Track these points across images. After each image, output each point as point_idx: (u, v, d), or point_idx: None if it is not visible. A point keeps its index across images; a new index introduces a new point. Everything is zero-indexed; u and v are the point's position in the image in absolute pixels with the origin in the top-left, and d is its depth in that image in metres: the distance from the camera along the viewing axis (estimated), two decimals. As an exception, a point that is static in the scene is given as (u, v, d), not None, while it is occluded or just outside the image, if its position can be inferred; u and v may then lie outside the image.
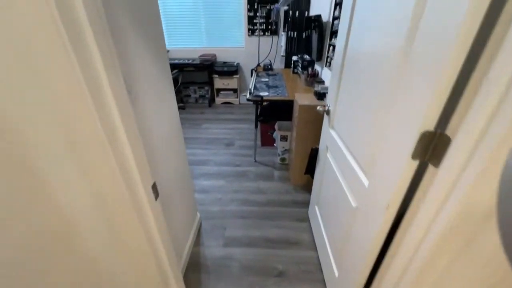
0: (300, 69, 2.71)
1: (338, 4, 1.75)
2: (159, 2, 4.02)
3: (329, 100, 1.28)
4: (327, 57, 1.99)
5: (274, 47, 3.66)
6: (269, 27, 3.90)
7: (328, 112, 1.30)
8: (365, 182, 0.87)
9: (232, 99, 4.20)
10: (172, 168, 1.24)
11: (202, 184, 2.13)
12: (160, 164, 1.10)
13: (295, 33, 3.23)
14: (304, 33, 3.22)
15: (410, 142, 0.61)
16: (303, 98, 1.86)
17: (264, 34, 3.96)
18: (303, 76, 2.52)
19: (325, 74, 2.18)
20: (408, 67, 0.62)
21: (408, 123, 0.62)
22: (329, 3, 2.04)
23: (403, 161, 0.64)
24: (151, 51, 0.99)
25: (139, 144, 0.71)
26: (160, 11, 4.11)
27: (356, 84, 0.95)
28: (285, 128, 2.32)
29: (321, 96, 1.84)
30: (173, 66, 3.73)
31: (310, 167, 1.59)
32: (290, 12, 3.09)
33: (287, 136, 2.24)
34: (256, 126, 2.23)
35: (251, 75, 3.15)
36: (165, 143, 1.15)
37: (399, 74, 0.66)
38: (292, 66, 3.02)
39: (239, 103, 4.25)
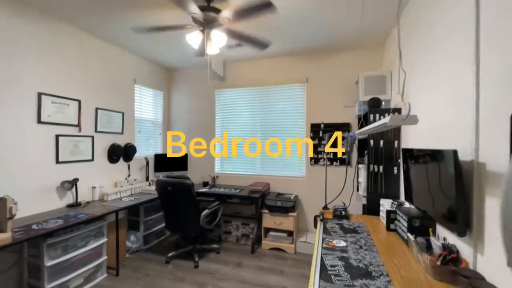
0: (406, 232, 1.48)
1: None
2: (222, 126, 3.59)
3: None
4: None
5: (349, 182, 2.63)
6: (338, 156, 3.10)
7: None
8: None
9: (285, 244, 2.97)
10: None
11: None
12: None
13: (381, 167, 2.24)
14: (395, 168, 2.20)
15: None
16: None
17: (331, 163, 3.14)
18: (419, 254, 1.24)
19: (492, 269, 0.89)
20: None
21: None
22: (472, 133, 1.06)
23: None
24: None
25: None
26: (222, 133, 3.39)
27: None
28: None
29: None
30: (217, 197, 3.07)
31: None
32: (371, 141, 2.26)
33: None
34: None
35: (314, 224, 2.04)
36: None
37: None
38: (386, 218, 1.82)
39: (295, 252, 2.94)
